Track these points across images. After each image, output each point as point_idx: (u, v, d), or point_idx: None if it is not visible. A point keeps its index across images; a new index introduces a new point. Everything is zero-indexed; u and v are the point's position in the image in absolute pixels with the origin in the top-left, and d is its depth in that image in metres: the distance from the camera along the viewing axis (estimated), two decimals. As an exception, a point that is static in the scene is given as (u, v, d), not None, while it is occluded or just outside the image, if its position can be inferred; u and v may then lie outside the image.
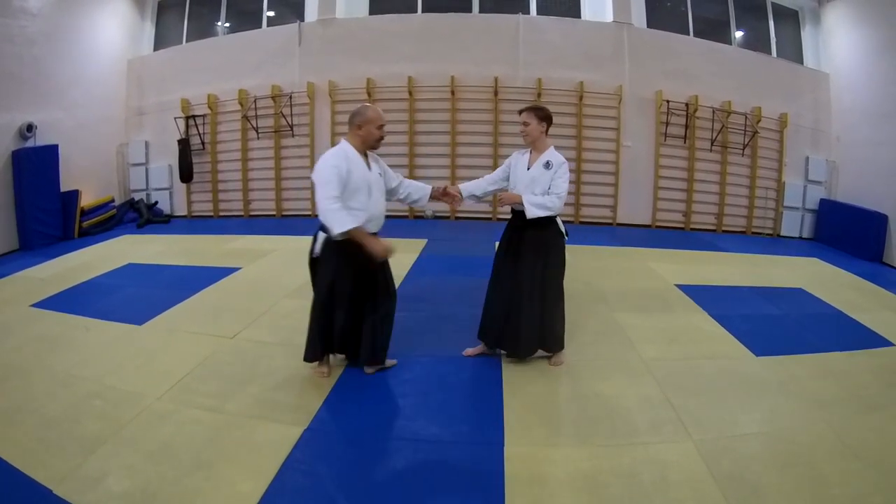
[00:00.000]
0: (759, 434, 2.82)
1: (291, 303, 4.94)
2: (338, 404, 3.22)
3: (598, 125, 9.01)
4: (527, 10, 9.25)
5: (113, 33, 9.45)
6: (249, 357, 3.83)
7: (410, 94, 8.96)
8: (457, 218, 9.13)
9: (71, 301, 5.15)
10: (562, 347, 3.69)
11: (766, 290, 5.58)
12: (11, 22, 7.48)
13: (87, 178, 8.83)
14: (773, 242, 8.71)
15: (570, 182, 8.86)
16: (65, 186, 8.22)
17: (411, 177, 9.02)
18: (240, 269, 6.20)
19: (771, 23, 9.53)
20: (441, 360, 3.73)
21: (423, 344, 4.05)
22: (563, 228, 3.66)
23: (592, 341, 4.09)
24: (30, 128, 7.76)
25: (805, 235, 9.12)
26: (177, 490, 2.44)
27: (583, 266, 6.16)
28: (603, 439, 2.81)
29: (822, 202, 9.03)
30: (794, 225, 9.13)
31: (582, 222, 9.15)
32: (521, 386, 3.40)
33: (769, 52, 9.46)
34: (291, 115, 9.17)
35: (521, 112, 3.62)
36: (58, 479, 2.50)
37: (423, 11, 9.37)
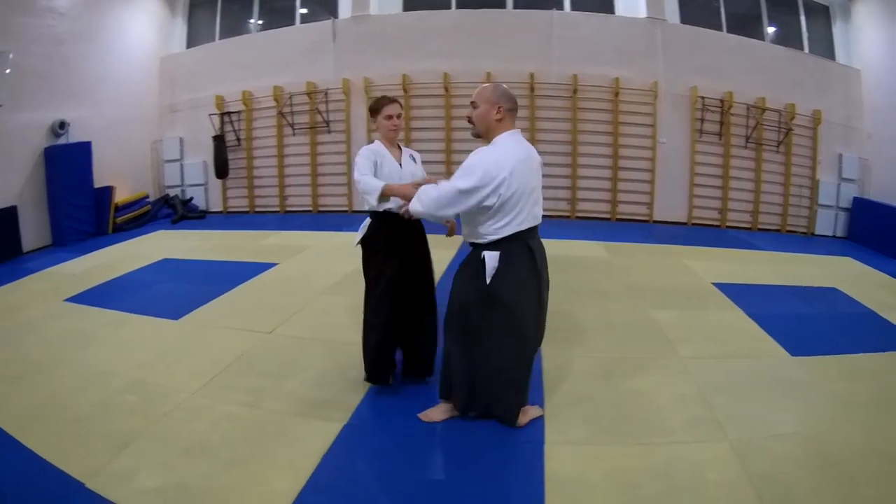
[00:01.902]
0: (793, 434, 2.56)
1: (329, 299, 4.50)
2: (377, 400, 2.89)
3: (634, 122, 8.04)
4: (560, 6, 8.27)
5: (144, 31, 8.67)
6: (287, 353, 3.46)
7: (446, 90, 8.02)
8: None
9: (105, 296, 4.72)
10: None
11: (801, 289, 5.05)
12: (39, 21, 6.83)
13: (120, 174, 8.10)
14: (808, 241, 7.78)
15: (607, 179, 8.32)
16: (98, 183, 7.54)
17: (448, 174, 8.18)
18: (276, 264, 5.60)
19: (802, 18, 8.53)
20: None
21: None
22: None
23: (630, 338, 3.71)
24: (62, 125, 7.10)
25: (839, 234, 8.13)
26: (211, 486, 2.20)
27: (621, 264, 5.73)
28: (640, 437, 2.55)
29: (856, 200, 8.04)
30: (828, 223, 8.13)
31: (619, 219, 8.20)
32: (559, 383, 3.05)
33: (801, 47, 8.47)
34: (327, 111, 8.29)
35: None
36: (90, 474, 2.27)
37: (456, 7, 8.43)
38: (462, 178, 2.24)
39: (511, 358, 2.46)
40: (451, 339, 2.55)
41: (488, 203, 2.24)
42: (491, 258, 2.34)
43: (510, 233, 2.32)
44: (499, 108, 2.33)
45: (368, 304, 2.86)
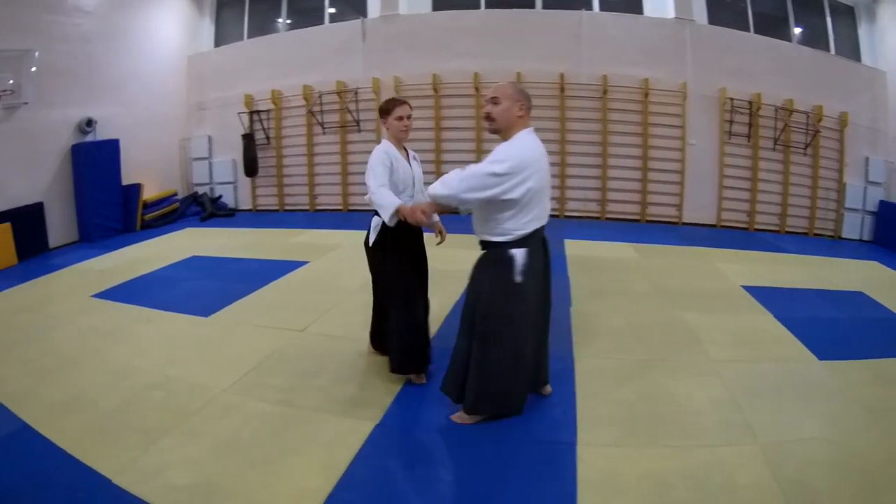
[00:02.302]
0: (820, 439, 2.52)
1: (360, 298, 4.28)
2: (410, 400, 2.80)
3: (663, 123, 7.82)
4: (589, 6, 8.08)
5: (171, 30, 8.51)
6: (319, 351, 3.37)
7: (476, 90, 7.80)
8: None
9: (133, 292, 4.62)
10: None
11: (828, 292, 4.94)
12: (65, 20, 6.72)
13: (149, 171, 7.92)
14: (834, 244, 7.56)
15: (637, 180, 8.12)
16: (127, 180, 7.37)
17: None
18: (307, 263, 5.44)
19: (828, 19, 8.33)
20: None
21: None
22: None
23: (661, 340, 3.63)
24: (89, 123, 6.97)
25: (865, 238, 7.90)
26: (241, 484, 2.14)
27: (651, 265, 5.59)
28: (672, 440, 2.49)
29: (882, 204, 7.82)
30: (854, 227, 7.90)
31: (648, 221, 7.98)
32: (592, 384, 2.97)
33: (827, 48, 8.26)
34: (357, 110, 8.07)
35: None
36: (117, 470, 2.21)
37: (485, 7, 8.23)
38: (496, 163, 2.18)
39: (522, 355, 2.46)
40: (472, 340, 2.47)
41: (513, 195, 2.19)
42: (521, 255, 2.31)
43: (533, 228, 2.32)
44: (521, 104, 2.30)
45: (388, 302, 2.88)
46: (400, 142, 2.86)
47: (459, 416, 2.57)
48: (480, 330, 2.41)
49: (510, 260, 2.30)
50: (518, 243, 2.30)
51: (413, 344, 2.85)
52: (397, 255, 2.81)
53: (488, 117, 2.33)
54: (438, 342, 3.46)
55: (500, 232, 2.30)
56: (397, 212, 2.54)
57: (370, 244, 2.84)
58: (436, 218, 2.70)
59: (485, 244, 2.40)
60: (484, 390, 2.46)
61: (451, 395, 2.59)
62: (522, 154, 2.21)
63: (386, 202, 2.58)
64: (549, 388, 2.81)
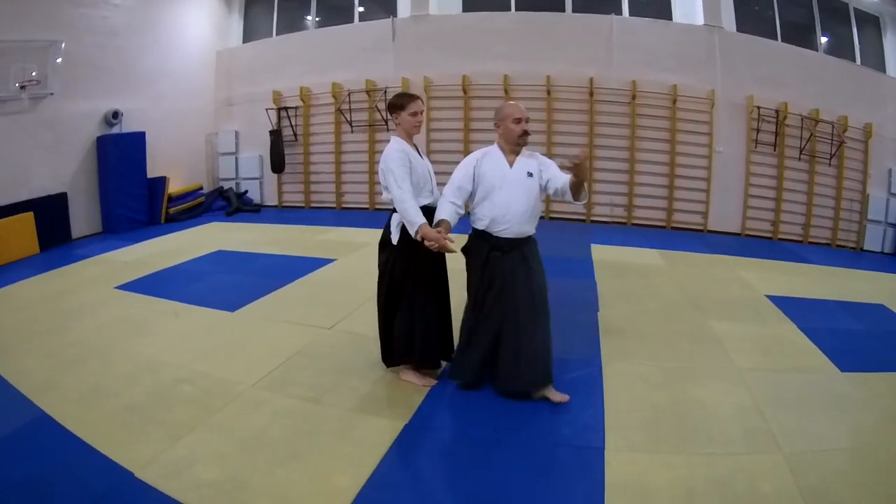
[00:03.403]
0: (843, 449, 2.40)
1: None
2: (440, 400, 2.65)
3: (691, 129, 7.34)
4: (619, 11, 7.56)
5: (201, 25, 8.09)
6: (347, 349, 3.17)
7: (506, 92, 7.31)
8: (551, 218, 7.44)
9: (157, 285, 4.36)
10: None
11: (850, 304, 4.68)
12: (93, 13, 6.44)
13: (175, 165, 7.52)
14: (856, 256, 7.10)
15: (664, 187, 7.50)
16: (152, 173, 6.98)
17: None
18: (334, 260, 5.14)
19: (854, 28, 7.84)
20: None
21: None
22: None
23: (688, 347, 3.46)
24: (115, 115, 6.62)
25: (887, 250, 7.41)
26: (269, 481, 1.98)
27: (677, 272, 5.33)
28: (700, 447, 2.36)
29: (904, 216, 7.33)
30: (876, 239, 7.41)
31: (674, 228, 7.49)
32: (620, 390, 2.82)
33: (853, 58, 7.77)
34: (386, 109, 7.48)
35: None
36: (141, 464, 2.04)
37: (515, 10, 7.73)
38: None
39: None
40: (538, 323, 2.57)
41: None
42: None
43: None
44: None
45: (400, 299, 2.69)
46: (411, 137, 2.69)
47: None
48: (543, 310, 2.61)
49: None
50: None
51: (417, 337, 2.68)
52: (418, 254, 2.59)
53: (526, 133, 2.58)
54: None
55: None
56: (421, 235, 2.47)
57: (394, 242, 2.63)
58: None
59: (529, 239, 2.63)
60: (547, 365, 2.62)
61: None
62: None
63: (411, 218, 2.48)
64: (552, 392, 2.64)
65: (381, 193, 2.80)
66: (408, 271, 2.64)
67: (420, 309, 2.67)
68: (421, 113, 2.68)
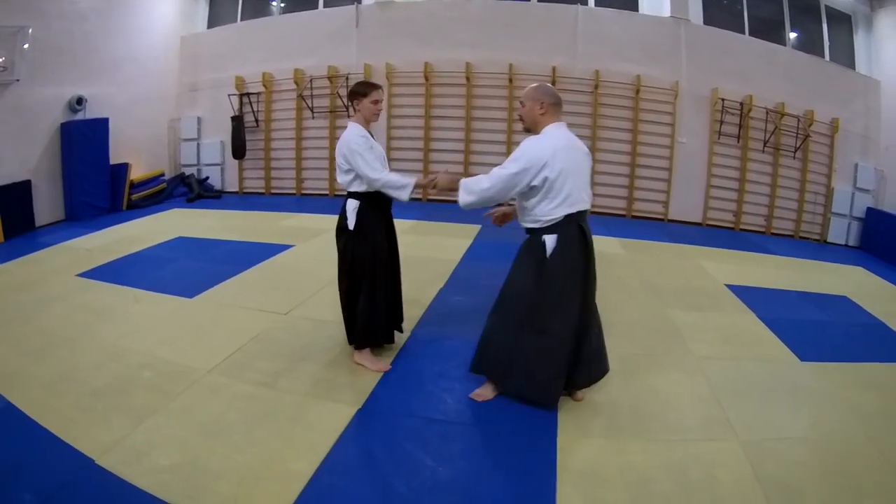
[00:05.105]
0: (802, 439, 2.55)
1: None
2: (393, 385, 2.84)
3: (654, 120, 7.86)
4: (585, 1, 8.07)
5: (166, 10, 8.44)
6: (303, 334, 3.39)
7: (468, 80, 7.81)
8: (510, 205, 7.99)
9: (119, 272, 4.59)
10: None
11: (812, 295, 4.98)
12: None
13: (137, 151, 7.89)
14: (820, 248, 7.64)
15: (625, 176, 8.09)
16: (115, 159, 7.32)
17: (466, 163, 8.00)
18: (293, 246, 5.48)
19: (825, 26, 8.36)
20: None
21: (481, 328, 3.46)
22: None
23: (646, 335, 3.68)
24: (80, 101, 6.92)
25: (851, 243, 7.99)
26: (227, 465, 2.15)
27: (637, 261, 5.64)
28: (654, 434, 2.52)
29: (869, 211, 7.90)
30: (840, 232, 7.98)
31: (634, 216, 8.03)
32: None
33: (822, 55, 8.30)
34: (347, 96, 8.02)
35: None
36: (101, 450, 2.20)
37: (482, -3, 8.21)
38: (511, 163, 2.43)
39: (552, 341, 2.52)
40: (499, 319, 2.63)
41: (535, 183, 2.40)
42: (551, 241, 2.46)
43: (563, 214, 2.43)
44: (542, 103, 2.50)
45: (361, 283, 2.91)
46: (369, 124, 2.91)
47: (477, 394, 2.74)
48: (511, 310, 2.56)
49: (542, 245, 2.47)
50: (549, 229, 2.45)
51: (379, 320, 2.95)
52: (374, 237, 2.89)
53: (520, 118, 2.62)
54: (422, 329, 3.54)
55: (532, 218, 2.49)
56: (422, 185, 2.80)
57: (350, 228, 2.87)
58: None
59: (525, 230, 2.60)
60: (508, 369, 2.60)
61: (483, 372, 2.74)
62: (534, 148, 2.41)
63: (401, 181, 2.76)
64: (580, 395, 2.75)
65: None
66: (366, 255, 2.85)
67: (381, 291, 2.91)
68: (381, 101, 2.89)
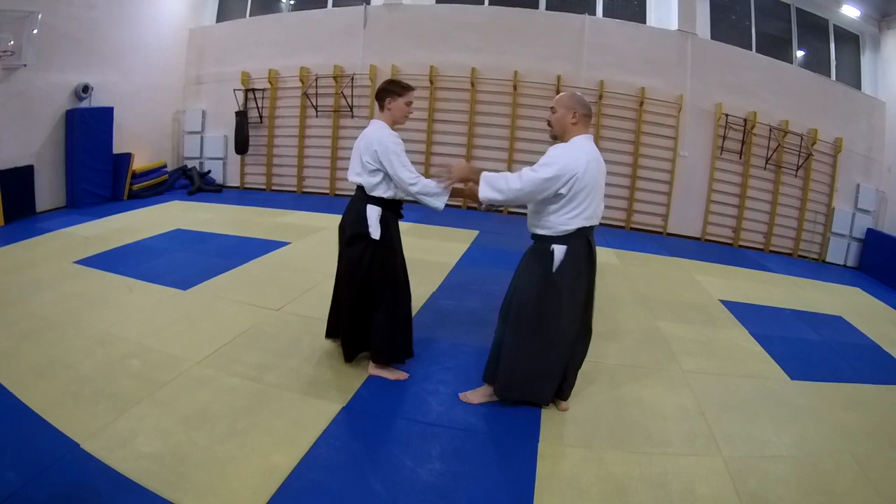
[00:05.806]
0: (786, 457, 2.54)
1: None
2: (379, 385, 2.87)
3: (657, 132, 7.92)
4: (593, 11, 8.16)
5: (176, 2, 8.54)
6: (293, 331, 3.41)
7: (473, 84, 7.89)
8: (509, 212, 8.05)
9: (115, 261, 4.65)
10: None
11: (807, 314, 5.00)
12: None
13: (140, 142, 7.97)
14: (818, 268, 7.68)
15: (625, 187, 8.19)
16: (118, 149, 7.42)
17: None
18: (289, 243, 5.54)
19: (832, 45, 8.43)
20: (484, 351, 3.04)
21: (470, 332, 3.61)
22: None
23: (635, 347, 3.68)
24: (85, 89, 7.00)
25: (850, 264, 8.05)
26: (208, 456, 2.19)
27: (630, 272, 5.68)
28: (636, 446, 2.53)
29: (870, 232, 7.96)
30: (839, 252, 8.05)
31: (633, 228, 8.10)
32: None
33: (828, 74, 8.37)
34: (352, 95, 8.15)
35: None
36: (87, 435, 2.25)
37: (489, 3, 8.29)
38: (544, 168, 2.37)
39: (551, 346, 2.54)
40: (505, 326, 2.63)
41: (562, 192, 2.37)
42: (559, 251, 2.45)
43: (577, 226, 2.42)
44: (574, 112, 2.47)
45: (382, 296, 2.77)
46: (396, 126, 2.73)
47: (465, 396, 2.78)
48: (513, 318, 2.55)
49: (550, 254, 2.45)
50: (560, 239, 2.43)
51: (401, 335, 2.87)
52: (398, 250, 2.78)
53: (548, 123, 2.57)
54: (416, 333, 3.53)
55: (545, 225, 2.46)
56: (453, 184, 2.63)
57: (374, 237, 2.66)
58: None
59: (532, 237, 2.57)
60: (510, 377, 2.60)
61: (486, 378, 2.77)
62: (569, 157, 2.37)
63: (437, 188, 2.61)
64: (565, 405, 2.77)
65: (345, 179, 2.94)
66: (390, 267, 2.70)
67: (401, 308, 2.80)
68: (413, 104, 2.73)
